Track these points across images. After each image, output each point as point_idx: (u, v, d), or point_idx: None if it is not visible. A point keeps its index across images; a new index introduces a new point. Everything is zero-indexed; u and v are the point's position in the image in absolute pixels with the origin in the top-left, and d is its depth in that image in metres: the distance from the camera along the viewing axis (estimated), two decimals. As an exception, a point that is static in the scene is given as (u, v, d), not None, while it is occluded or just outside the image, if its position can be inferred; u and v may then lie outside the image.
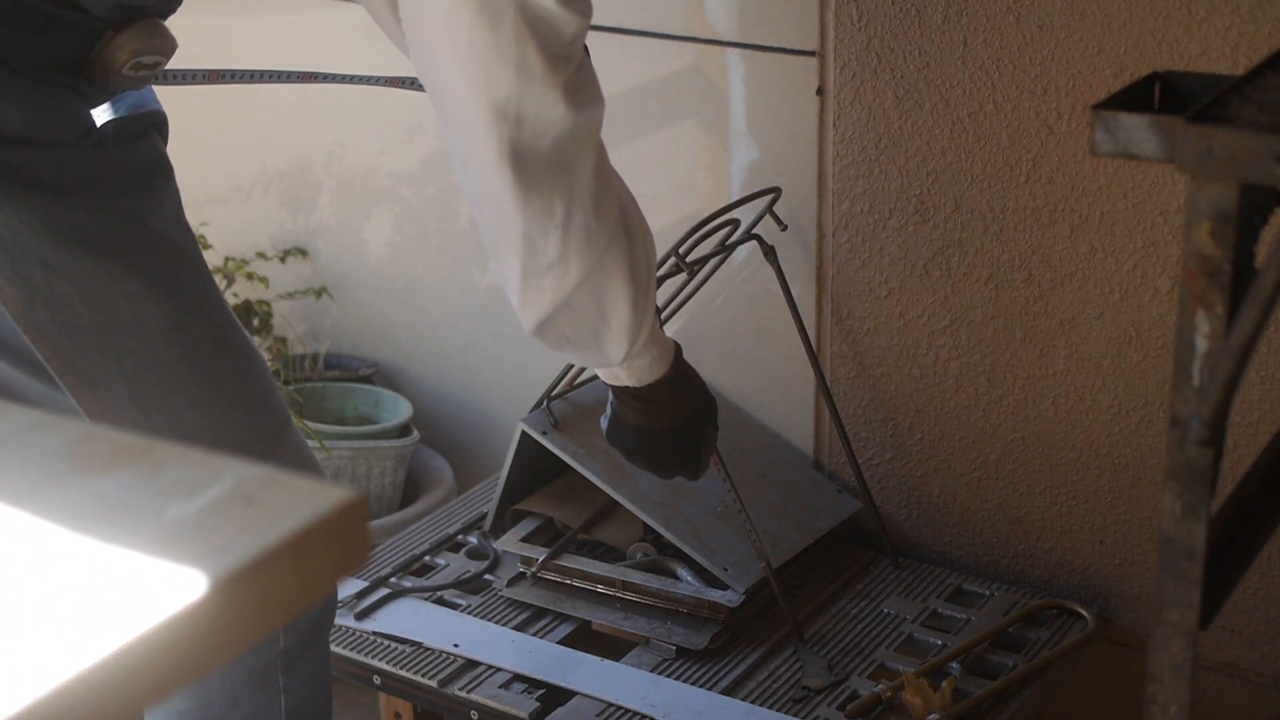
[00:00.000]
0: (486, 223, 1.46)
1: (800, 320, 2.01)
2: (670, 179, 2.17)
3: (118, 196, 1.45)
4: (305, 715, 1.63)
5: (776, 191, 2.00)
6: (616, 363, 1.58)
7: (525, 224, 1.42)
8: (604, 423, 1.72)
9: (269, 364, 2.51)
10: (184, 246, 1.50)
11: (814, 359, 2.04)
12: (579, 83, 1.41)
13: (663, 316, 1.89)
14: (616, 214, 1.49)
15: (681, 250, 1.92)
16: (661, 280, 1.92)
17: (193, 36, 1.56)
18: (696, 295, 2.07)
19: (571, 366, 2.02)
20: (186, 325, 1.46)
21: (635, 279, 1.51)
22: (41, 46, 1.40)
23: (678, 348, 1.66)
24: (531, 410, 2.01)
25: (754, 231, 1.99)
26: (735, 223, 1.99)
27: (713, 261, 2.02)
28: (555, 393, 2.02)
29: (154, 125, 1.52)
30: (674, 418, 1.68)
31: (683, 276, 1.97)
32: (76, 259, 1.41)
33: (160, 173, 1.50)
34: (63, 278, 1.40)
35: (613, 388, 1.67)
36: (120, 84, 1.46)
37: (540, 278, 1.46)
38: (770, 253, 1.99)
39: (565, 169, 1.43)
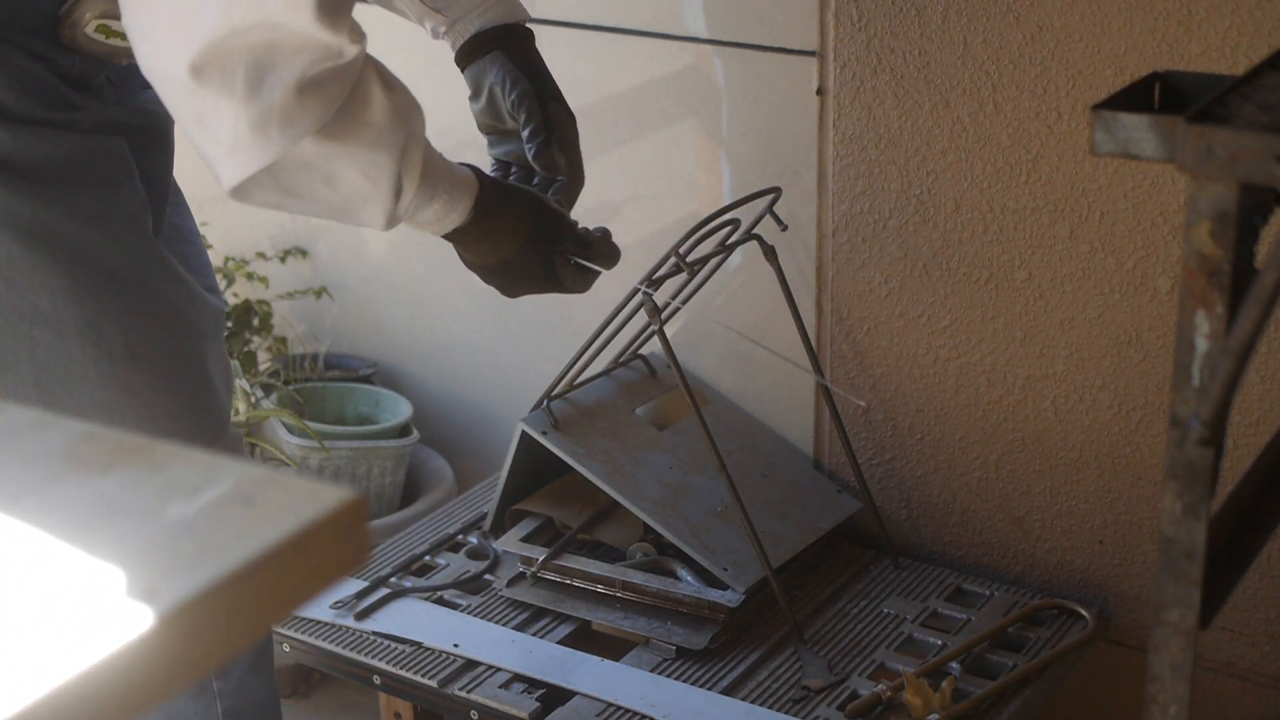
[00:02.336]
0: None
1: (800, 320, 2.01)
2: (670, 179, 2.17)
3: (67, 189, 1.44)
4: (244, 717, 1.63)
5: (777, 191, 2.00)
6: (382, 229, 1.48)
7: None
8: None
9: (269, 364, 2.51)
10: (125, 251, 1.48)
11: (814, 358, 2.04)
12: None
13: (663, 316, 1.88)
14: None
15: (682, 250, 1.92)
16: (662, 280, 1.92)
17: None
18: (696, 295, 2.07)
19: (573, 366, 2.01)
20: (105, 330, 1.45)
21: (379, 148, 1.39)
22: (9, 6, 1.39)
23: (480, 183, 1.53)
24: (531, 410, 2.01)
25: (754, 231, 1.99)
26: (735, 223, 1.99)
27: (713, 261, 2.02)
28: (555, 392, 2.02)
29: (133, 127, 1.51)
30: (504, 249, 1.57)
31: (683, 276, 1.97)
32: (6, 243, 1.41)
33: (121, 172, 1.49)
34: None
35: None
36: (90, 48, 1.44)
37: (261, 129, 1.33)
38: (770, 253, 1.99)
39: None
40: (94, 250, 1.45)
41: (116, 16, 1.42)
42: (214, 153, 1.34)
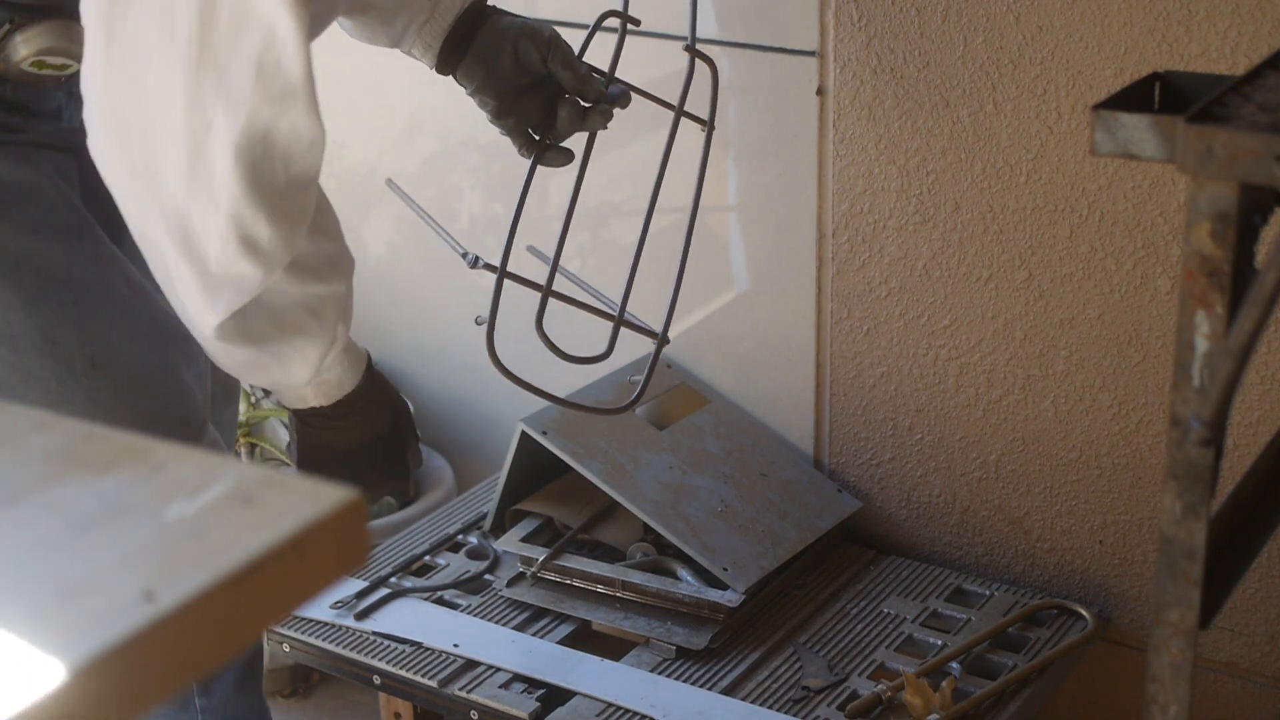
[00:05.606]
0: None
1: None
2: (670, 179, 2.16)
3: (5, 201, 1.42)
4: None
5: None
6: (302, 383, 1.49)
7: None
8: (291, 452, 1.58)
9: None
10: (78, 258, 1.45)
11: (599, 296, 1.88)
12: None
13: None
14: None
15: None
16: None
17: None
18: (695, 295, 2.06)
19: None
20: (62, 341, 1.43)
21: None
22: None
23: (368, 356, 1.58)
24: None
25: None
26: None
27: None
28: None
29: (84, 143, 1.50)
30: (375, 426, 1.58)
31: None
32: None
33: (65, 185, 1.47)
34: None
35: (295, 412, 1.55)
36: (22, 79, 1.43)
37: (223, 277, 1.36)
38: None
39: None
40: (43, 260, 1.43)
41: (53, 53, 1.40)
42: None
